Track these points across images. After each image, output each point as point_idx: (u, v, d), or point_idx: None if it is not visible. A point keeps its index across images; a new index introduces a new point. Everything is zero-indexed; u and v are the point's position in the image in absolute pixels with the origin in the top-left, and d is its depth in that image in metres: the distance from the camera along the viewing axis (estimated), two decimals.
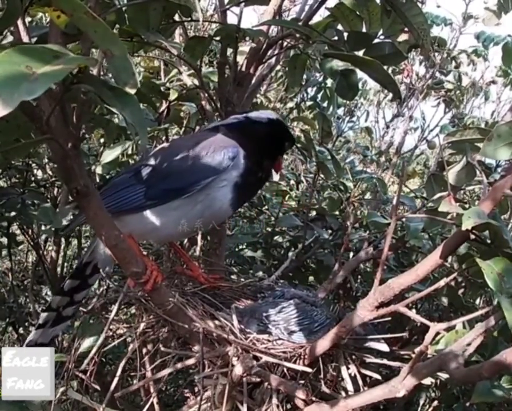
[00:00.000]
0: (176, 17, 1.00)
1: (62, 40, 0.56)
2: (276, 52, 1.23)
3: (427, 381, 0.78)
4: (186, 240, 1.44)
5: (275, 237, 1.46)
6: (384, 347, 0.86)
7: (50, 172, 1.54)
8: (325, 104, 1.86)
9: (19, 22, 0.55)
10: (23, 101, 0.36)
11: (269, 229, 1.48)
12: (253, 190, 0.95)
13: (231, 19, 1.06)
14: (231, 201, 0.85)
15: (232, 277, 1.17)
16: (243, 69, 1.06)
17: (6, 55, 0.38)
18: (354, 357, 0.86)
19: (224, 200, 0.84)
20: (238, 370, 0.75)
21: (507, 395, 0.72)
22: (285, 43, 1.15)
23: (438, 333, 0.66)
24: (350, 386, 0.83)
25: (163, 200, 0.83)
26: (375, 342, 0.87)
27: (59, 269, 1.59)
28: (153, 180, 0.85)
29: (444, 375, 0.76)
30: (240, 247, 1.54)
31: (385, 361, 0.87)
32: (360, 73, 0.98)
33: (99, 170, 1.25)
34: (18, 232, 1.63)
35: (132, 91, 0.46)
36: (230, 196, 0.84)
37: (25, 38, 0.55)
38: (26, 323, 1.89)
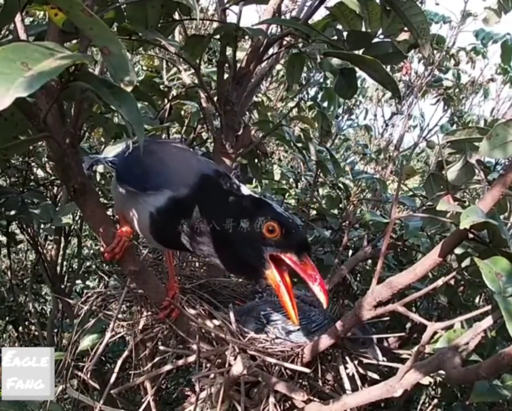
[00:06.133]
0: (176, 16, 1.00)
1: (59, 38, 0.57)
2: (275, 50, 1.23)
3: (426, 380, 0.77)
4: None
5: None
6: (378, 355, 0.86)
7: (50, 171, 1.54)
8: (325, 104, 1.86)
9: (17, 20, 0.55)
10: (20, 99, 0.36)
11: None
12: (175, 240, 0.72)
13: (232, 18, 1.06)
14: (151, 227, 0.72)
15: (231, 276, 1.17)
16: (243, 66, 1.06)
17: (1, 51, 0.38)
18: (352, 356, 0.86)
19: (146, 222, 0.72)
20: (237, 369, 0.75)
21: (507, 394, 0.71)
22: (285, 42, 1.15)
23: (435, 332, 0.65)
24: (347, 385, 0.83)
25: (126, 186, 0.75)
26: (371, 349, 0.87)
27: (58, 268, 1.59)
28: (122, 165, 0.80)
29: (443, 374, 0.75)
30: None
31: (384, 361, 0.87)
32: (359, 71, 0.97)
33: (100, 168, 1.24)
34: (18, 231, 1.63)
35: (129, 89, 0.46)
36: (148, 220, 0.71)
37: (23, 36, 0.55)
38: (26, 322, 1.89)
